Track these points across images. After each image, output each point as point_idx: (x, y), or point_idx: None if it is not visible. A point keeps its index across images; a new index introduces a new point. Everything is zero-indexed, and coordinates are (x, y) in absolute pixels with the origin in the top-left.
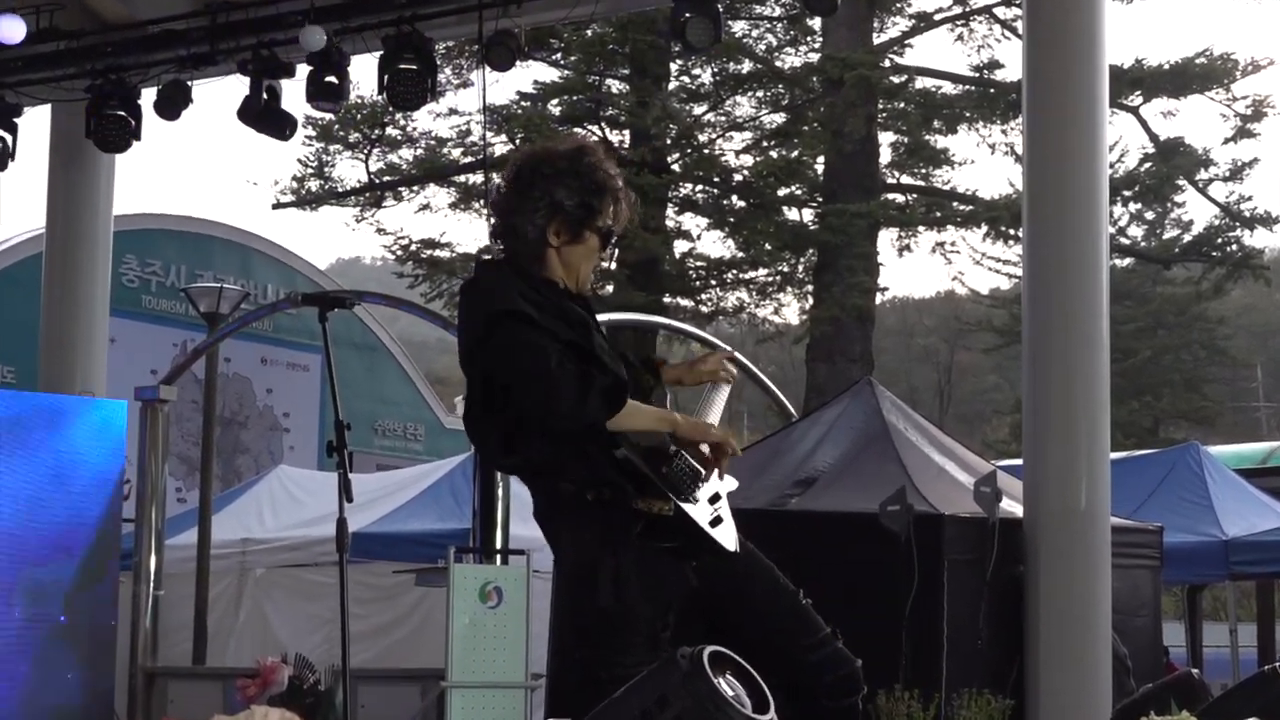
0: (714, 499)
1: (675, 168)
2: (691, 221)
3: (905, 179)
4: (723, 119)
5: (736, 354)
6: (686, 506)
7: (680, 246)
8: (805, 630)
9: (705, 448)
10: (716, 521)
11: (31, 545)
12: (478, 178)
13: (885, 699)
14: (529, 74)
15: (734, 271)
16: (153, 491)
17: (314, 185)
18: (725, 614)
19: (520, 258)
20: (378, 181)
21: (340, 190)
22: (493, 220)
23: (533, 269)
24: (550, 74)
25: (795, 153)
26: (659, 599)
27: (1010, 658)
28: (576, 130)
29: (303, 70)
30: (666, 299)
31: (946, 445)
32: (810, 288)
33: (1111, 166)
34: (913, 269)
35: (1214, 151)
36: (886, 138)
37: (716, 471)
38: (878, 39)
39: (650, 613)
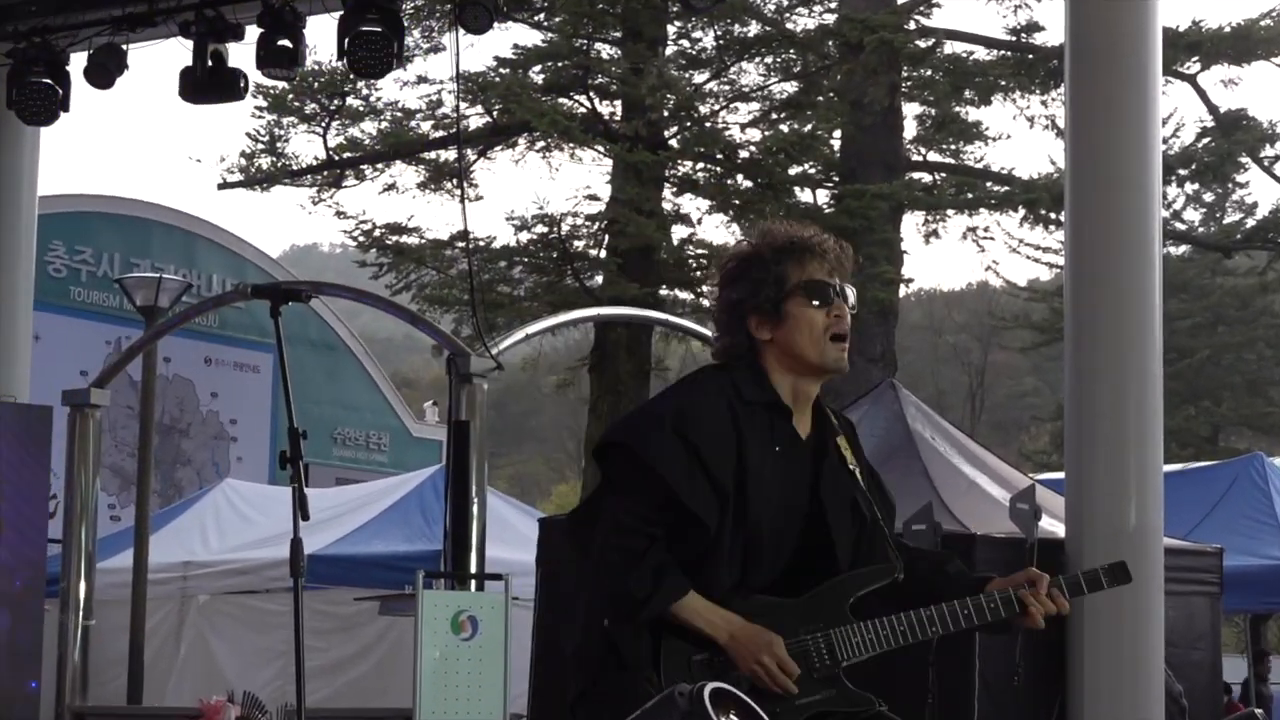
0: (828, 683)
1: (673, 143)
2: (691, 204)
3: (932, 156)
4: (726, 88)
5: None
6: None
7: (679, 232)
8: None
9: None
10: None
11: None
12: (450, 154)
13: None
14: (508, 37)
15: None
16: (82, 509)
17: (265, 163)
18: None
19: (736, 362)
20: (337, 158)
21: (295, 168)
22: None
23: (747, 374)
24: (532, 37)
25: (808, 126)
26: None
27: (1050, 697)
28: (563, 99)
29: (252, 33)
30: (663, 291)
31: (978, 456)
32: None
33: (1165, 142)
34: (941, 257)
35: None
36: (911, 109)
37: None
38: None
39: None
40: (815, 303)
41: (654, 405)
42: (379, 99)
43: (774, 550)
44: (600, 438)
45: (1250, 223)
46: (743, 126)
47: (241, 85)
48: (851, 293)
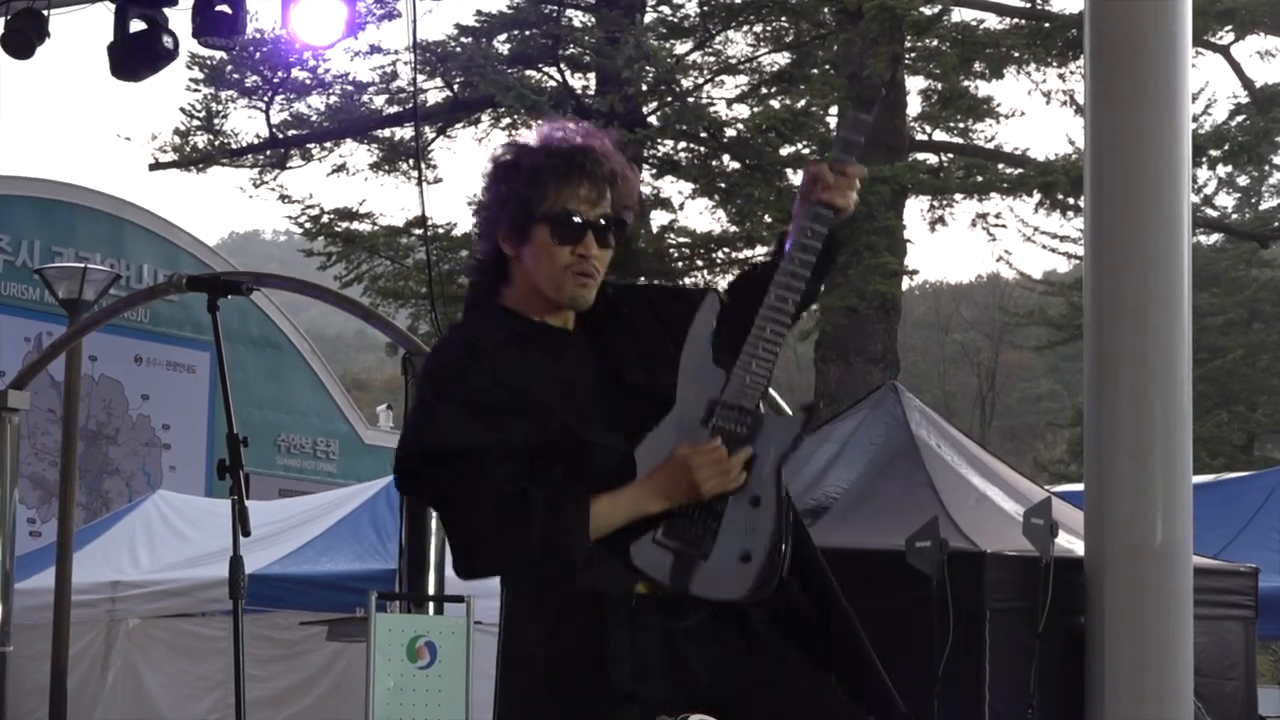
0: (754, 502)
1: (652, 120)
2: (673, 187)
3: (939, 135)
4: (711, 60)
5: (857, 111)
6: (690, 573)
7: (659, 218)
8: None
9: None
10: (745, 559)
11: None
12: (406, 132)
13: None
14: (470, 3)
15: (725, 249)
16: None
17: (201, 141)
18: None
19: (494, 284)
20: (281, 136)
21: (234, 147)
22: None
23: (497, 297)
24: (497, 3)
25: (801, 102)
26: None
27: None
28: (531, 72)
29: None
30: (642, 283)
31: (989, 466)
32: None
33: (1195, 120)
34: (948, 247)
35: None
36: (915, 83)
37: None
38: None
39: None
40: (558, 239)
41: (416, 401)
42: (327, 71)
43: (603, 432)
44: (397, 482)
45: None
46: (729, 102)
47: (170, 46)
48: (615, 226)
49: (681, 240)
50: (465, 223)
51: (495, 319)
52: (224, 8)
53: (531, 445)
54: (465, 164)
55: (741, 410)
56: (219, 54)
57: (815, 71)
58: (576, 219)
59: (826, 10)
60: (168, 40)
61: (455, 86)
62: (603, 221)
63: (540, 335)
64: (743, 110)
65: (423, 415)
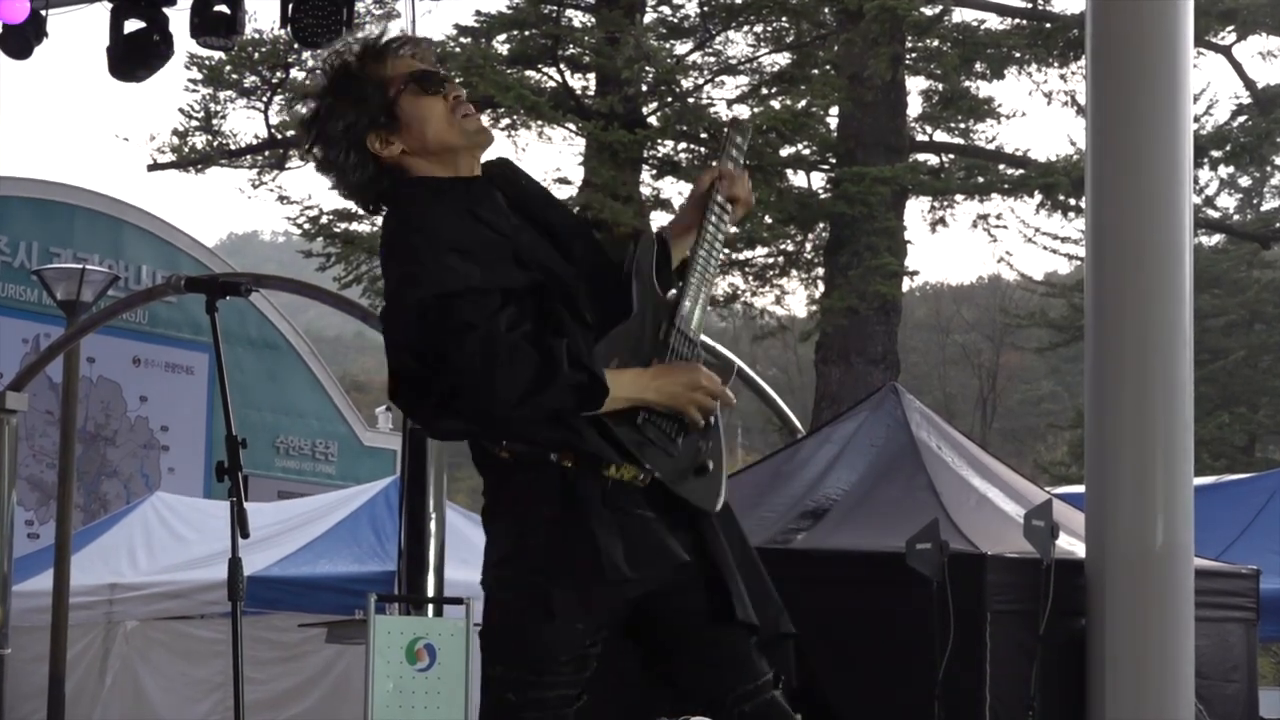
0: (708, 427)
1: (652, 121)
2: (673, 188)
3: (939, 135)
4: (711, 60)
5: (738, 129)
6: (664, 468)
7: (659, 219)
8: (742, 675)
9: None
10: (702, 470)
11: None
12: None
13: None
14: (469, 3)
15: (725, 250)
16: None
17: (200, 141)
18: (656, 632)
19: (384, 197)
20: (280, 137)
21: (233, 148)
22: (320, 169)
23: (424, 175)
24: (496, 3)
25: (802, 103)
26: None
27: None
28: (530, 72)
29: None
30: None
31: (989, 468)
32: (821, 271)
33: (1197, 120)
34: (949, 248)
35: None
36: (916, 84)
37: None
38: None
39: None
40: (428, 92)
41: (397, 262)
42: None
43: (589, 291)
44: (400, 329)
45: None
46: (729, 102)
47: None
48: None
49: None
50: None
51: (436, 185)
52: (222, 8)
53: (522, 289)
54: None
55: (688, 338)
56: (217, 54)
57: (816, 72)
58: (428, 70)
59: (827, 10)
60: (161, 40)
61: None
62: (443, 71)
63: (467, 186)
64: (743, 111)
65: (414, 263)
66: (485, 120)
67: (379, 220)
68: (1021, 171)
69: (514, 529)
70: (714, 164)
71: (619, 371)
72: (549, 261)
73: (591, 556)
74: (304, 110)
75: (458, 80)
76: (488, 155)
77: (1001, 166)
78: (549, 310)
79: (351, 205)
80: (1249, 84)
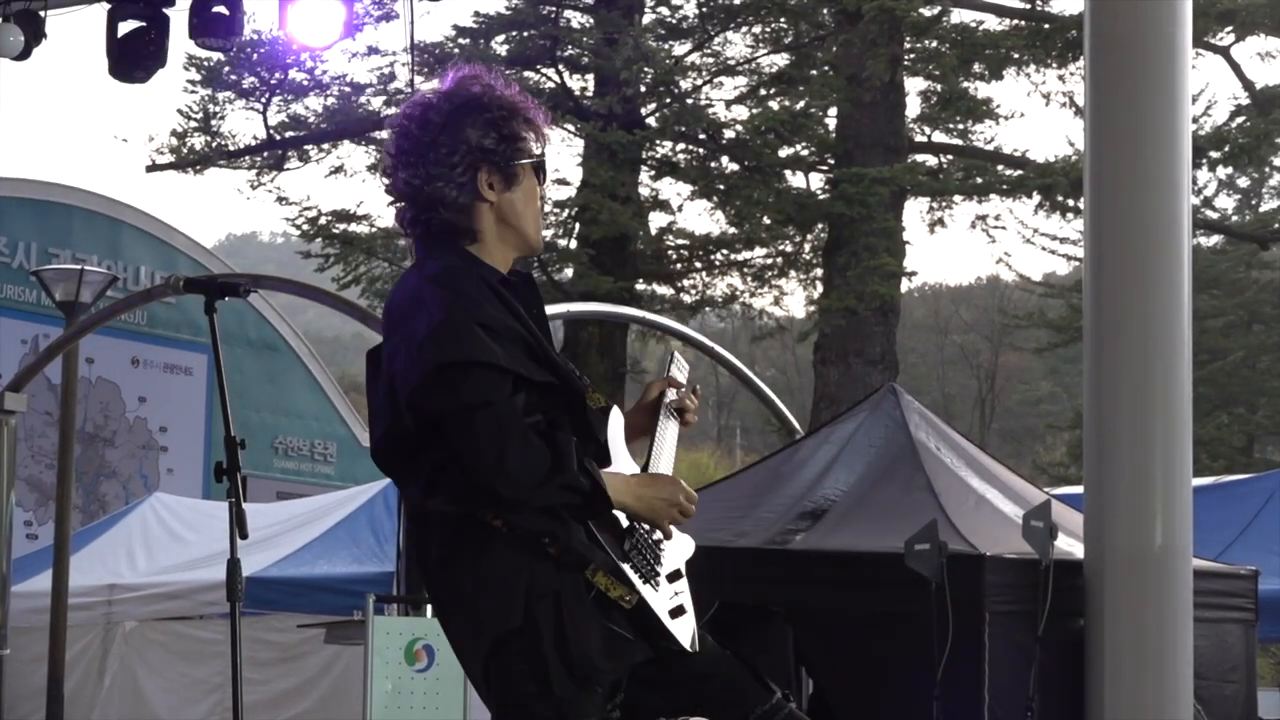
0: (674, 576)
1: (651, 122)
2: (671, 189)
3: (938, 136)
4: (710, 61)
5: (678, 360)
6: (648, 594)
7: (657, 220)
8: (756, 695)
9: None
10: (678, 611)
11: None
12: None
13: None
14: (468, 3)
15: (724, 251)
16: None
17: (198, 142)
18: (670, 695)
19: (453, 236)
20: (278, 138)
21: (231, 149)
22: (395, 200)
23: (467, 244)
24: (495, 3)
25: (801, 103)
26: (617, 660)
27: None
28: (529, 73)
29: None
30: (640, 285)
31: (988, 469)
32: (819, 272)
33: (1195, 121)
34: (947, 249)
35: None
36: (915, 84)
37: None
38: None
39: (608, 672)
40: (541, 182)
41: (429, 318)
42: (325, 72)
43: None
44: (415, 387)
45: None
46: (728, 103)
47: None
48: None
49: (680, 242)
50: None
51: (476, 264)
52: (221, 9)
53: (538, 386)
54: None
55: None
56: (216, 55)
57: (814, 73)
58: (546, 163)
59: (826, 11)
60: (159, 40)
61: None
62: None
63: (510, 288)
64: (741, 112)
65: (442, 327)
66: None
67: (379, 222)
68: (1020, 172)
69: (506, 604)
70: (663, 377)
71: (607, 474)
72: (564, 368)
73: (588, 650)
74: (450, 95)
75: None
76: None
77: (1000, 167)
78: (555, 414)
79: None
80: (1247, 85)
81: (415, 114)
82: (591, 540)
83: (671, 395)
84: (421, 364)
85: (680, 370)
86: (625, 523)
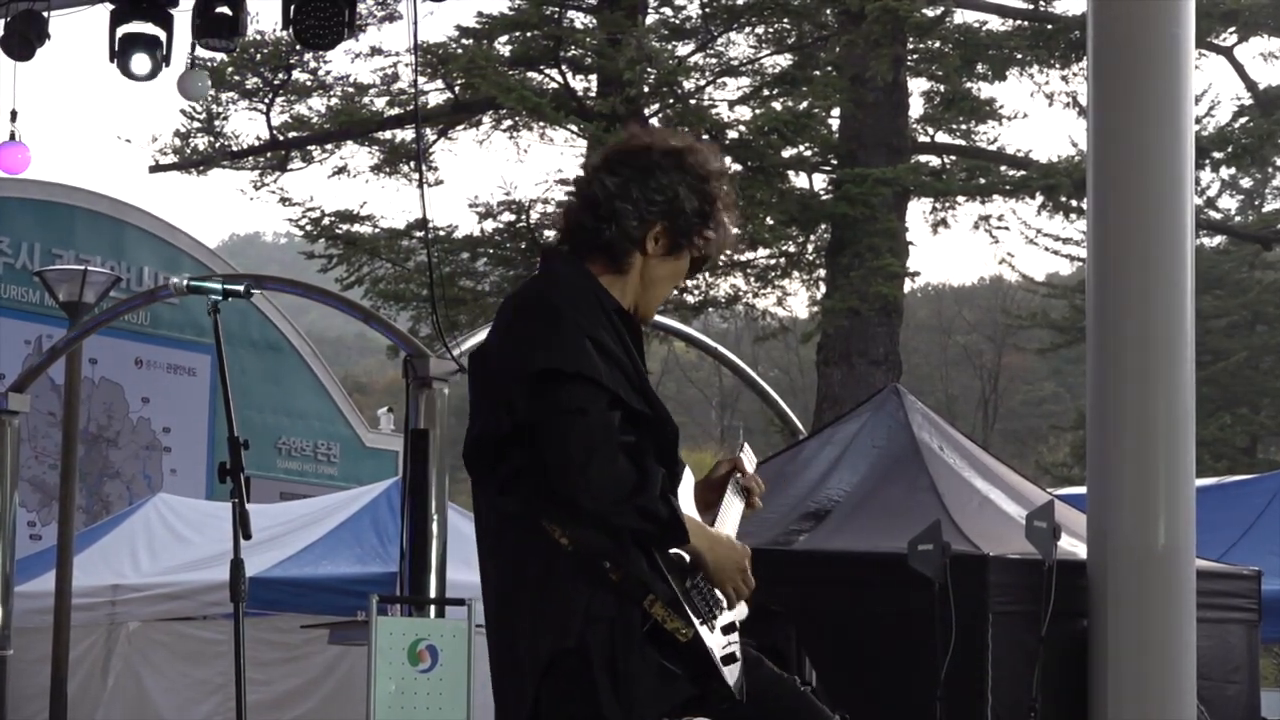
0: (728, 629)
1: (654, 122)
2: None
3: (941, 137)
4: (713, 61)
5: (747, 450)
6: (704, 632)
7: None
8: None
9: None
10: (729, 659)
11: None
12: (407, 134)
13: None
14: (471, 4)
15: (727, 251)
16: None
17: (202, 143)
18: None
19: (597, 255)
20: (282, 138)
21: (235, 149)
22: (584, 198)
23: (603, 276)
24: (498, 4)
25: (804, 104)
26: (663, 695)
27: None
28: (532, 73)
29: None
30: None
31: (991, 469)
32: (822, 272)
33: (1198, 122)
34: (950, 249)
35: None
36: (918, 85)
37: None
38: None
39: (653, 704)
40: (689, 266)
41: (537, 323)
42: (328, 73)
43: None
44: (518, 386)
45: None
46: (731, 104)
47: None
48: None
49: None
50: (467, 225)
51: (599, 288)
52: (224, 10)
53: (631, 413)
54: (466, 166)
55: None
56: (219, 56)
57: (817, 73)
58: (707, 263)
59: (829, 12)
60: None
61: (456, 88)
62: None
63: (624, 318)
64: (744, 112)
65: (553, 334)
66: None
67: (383, 223)
68: (1023, 173)
69: (562, 624)
70: (732, 457)
71: (691, 519)
72: (660, 407)
73: (636, 680)
74: (695, 149)
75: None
76: None
77: (1003, 168)
78: (644, 445)
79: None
80: (1250, 85)
81: (659, 142)
82: (654, 570)
83: (739, 477)
84: (526, 367)
85: (748, 458)
86: (683, 563)
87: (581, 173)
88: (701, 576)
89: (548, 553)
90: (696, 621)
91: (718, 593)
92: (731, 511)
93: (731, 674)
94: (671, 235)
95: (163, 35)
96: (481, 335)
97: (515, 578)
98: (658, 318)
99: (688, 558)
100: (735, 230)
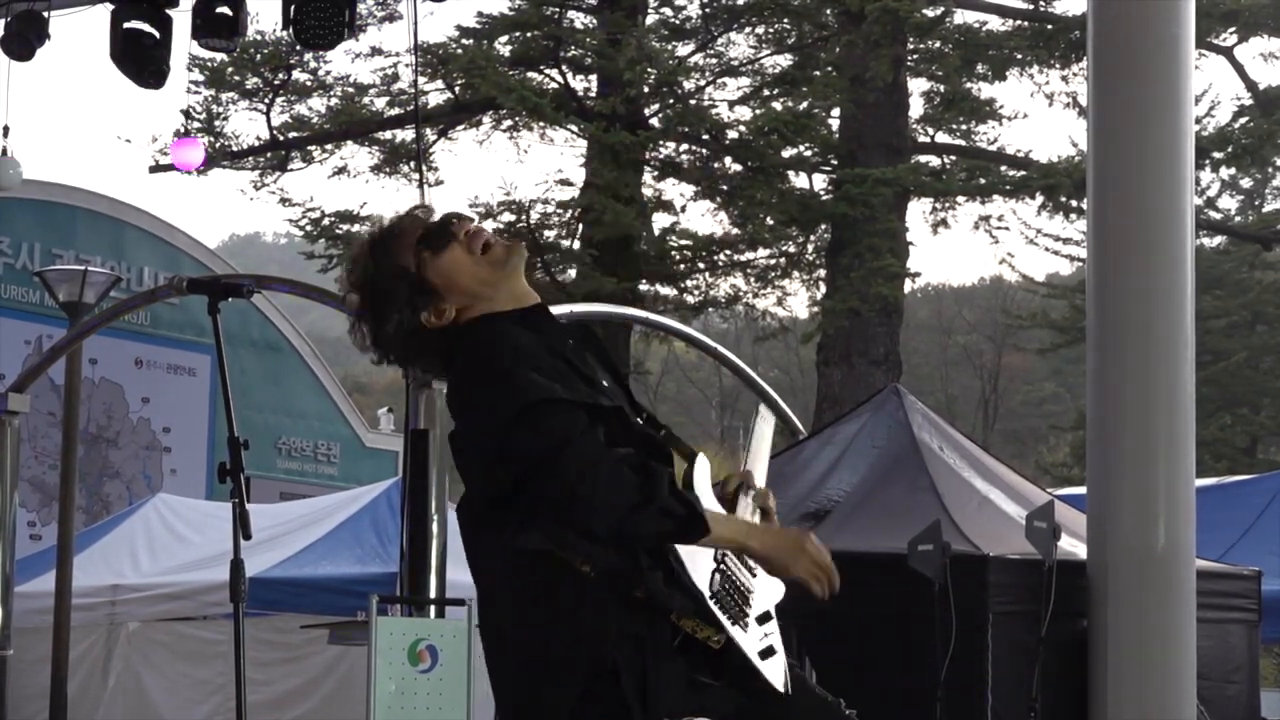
0: (763, 618)
1: (654, 122)
2: (674, 190)
3: (941, 137)
4: (713, 61)
5: (764, 415)
6: (737, 634)
7: (660, 221)
8: None
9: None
10: (768, 652)
11: None
12: (408, 134)
13: None
14: (471, 4)
15: (727, 252)
16: None
17: (202, 143)
18: None
19: (443, 337)
20: (282, 139)
21: (235, 149)
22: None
23: (467, 316)
24: (498, 4)
25: (804, 104)
26: (697, 709)
27: None
28: (532, 74)
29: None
30: (643, 286)
31: (991, 470)
32: (822, 273)
33: (1198, 122)
34: (950, 249)
35: None
36: (918, 85)
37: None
38: None
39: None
40: (440, 249)
41: (484, 388)
42: (328, 73)
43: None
44: (495, 450)
45: None
46: (731, 104)
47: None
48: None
49: (683, 242)
50: None
51: (488, 320)
52: (224, 9)
53: (608, 410)
54: (466, 166)
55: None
56: (219, 56)
57: (817, 73)
58: (429, 226)
59: (829, 12)
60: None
61: (456, 88)
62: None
63: (525, 315)
64: (744, 112)
65: (501, 384)
66: (490, 229)
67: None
68: (1023, 173)
69: (593, 650)
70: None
71: (723, 514)
72: (622, 404)
73: (667, 696)
74: (352, 324)
75: (465, 212)
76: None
77: (1003, 168)
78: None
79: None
80: (1250, 85)
81: (358, 342)
82: (672, 582)
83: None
84: (488, 430)
85: (767, 423)
86: (713, 562)
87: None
88: (730, 572)
89: (575, 584)
90: (727, 623)
91: (746, 585)
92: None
93: (773, 668)
94: (426, 309)
95: (160, 35)
96: None
97: (547, 612)
98: (658, 318)
99: (710, 557)
100: (415, 224)
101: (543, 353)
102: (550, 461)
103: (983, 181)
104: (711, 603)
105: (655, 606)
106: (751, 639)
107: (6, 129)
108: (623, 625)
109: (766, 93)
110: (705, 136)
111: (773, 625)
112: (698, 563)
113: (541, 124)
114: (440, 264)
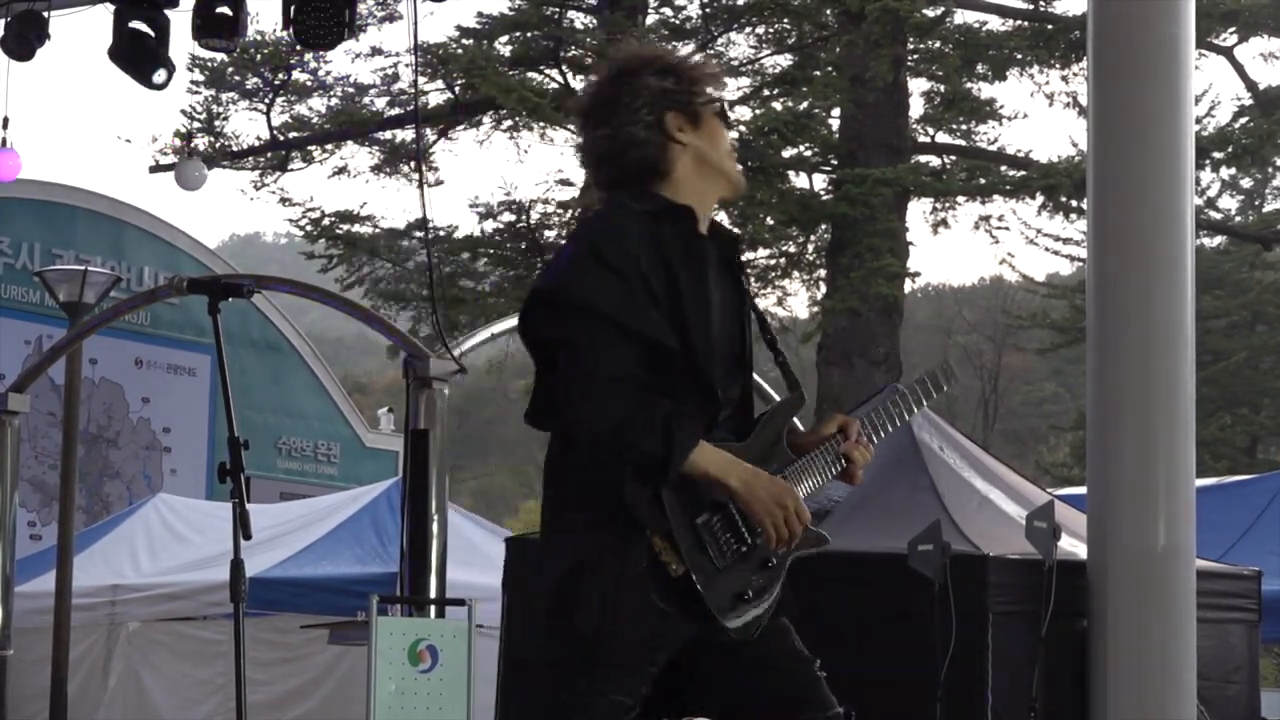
0: (762, 565)
1: None
2: None
3: (941, 137)
4: (713, 61)
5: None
6: (706, 569)
7: None
8: (813, 703)
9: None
10: (743, 596)
11: None
12: (408, 134)
13: None
14: (471, 4)
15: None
16: None
17: (202, 143)
18: (727, 668)
19: (638, 171)
20: (282, 139)
21: (235, 149)
22: (593, 163)
23: (658, 187)
24: (498, 4)
25: (804, 104)
26: (654, 633)
27: None
28: (532, 74)
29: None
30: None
31: (991, 470)
32: (823, 272)
33: (1198, 122)
34: (950, 249)
35: None
36: (918, 85)
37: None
38: None
39: (639, 644)
40: (725, 124)
41: (567, 252)
42: (328, 73)
43: (724, 380)
44: (522, 310)
45: None
46: (731, 104)
47: (155, 73)
48: None
49: None
50: (467, 226)
51: (646, 197)
52: (224, 9)
53: (657, 347)
54: (467, 166)
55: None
56: (219, 56)
57: (817, 74)
58: (728, 106)
59: (829, 12)
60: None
61: (456, 89)
62: None
63: (697, 243)
64: (745, 112)
65: (566, 264)
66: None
67: (383, 223)
68: (1023, 173)
69: (568, 557)
70: (851, 416)
71: (715, 447)
72: (701, 327)
73: (620, 616)
74: (628, 58)
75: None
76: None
77: (1003, 168)
78: (667, 373)
79: (353, 207)
80: (1251, 85)
81: (599, 76)
82: (655, 504)
83: (839, 440)
84: (531, 297)
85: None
86: (714, 498)
87: (580, 152)
88: (719, 515)
89: (595, 476)
90: (699, 554)
91: (747, 529)
92: (811, 472)
93: (743, 611)
94: (683, 113)
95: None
96: (482, 335)
97: (546, 515)
98: None
99: (716, 488)
100: (714, 69)
101: (648, 261)
102: (560, 358)
103: (983, 181)
104: (690, 533)
105: (634, 520)
106: (727, 578)
107: (6, 120)
108: (604, 531)
109: (766, 92)
110: None
111: (771, 575)
112: (701, 493)
113: (541, 124)
114: (717, 125)
